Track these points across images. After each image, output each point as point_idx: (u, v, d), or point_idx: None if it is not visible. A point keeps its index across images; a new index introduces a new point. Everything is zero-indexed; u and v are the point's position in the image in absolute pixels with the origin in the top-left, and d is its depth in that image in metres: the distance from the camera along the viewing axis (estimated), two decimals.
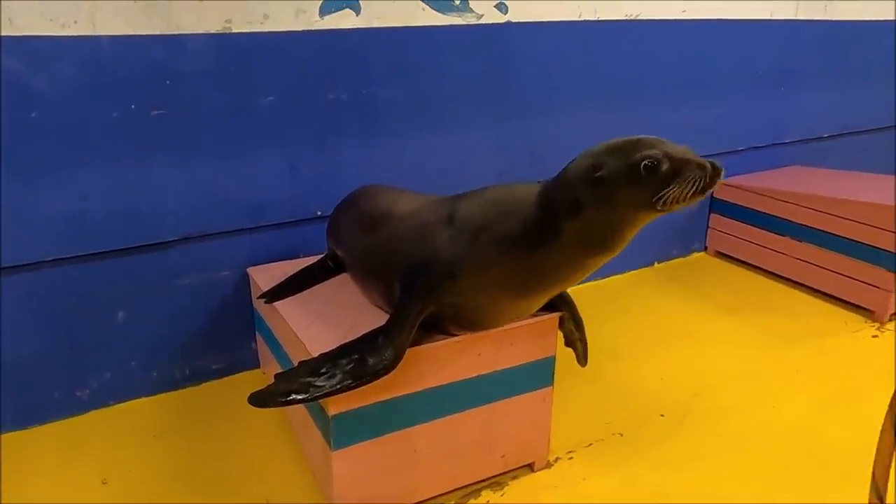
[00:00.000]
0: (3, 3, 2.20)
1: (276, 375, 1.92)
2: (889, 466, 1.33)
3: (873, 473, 1.35)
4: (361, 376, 1.86)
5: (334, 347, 1.96)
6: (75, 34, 2.33)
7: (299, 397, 1.84)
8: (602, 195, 1.73)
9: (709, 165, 1.61)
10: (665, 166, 1.63)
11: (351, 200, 2.58)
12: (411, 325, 1.94)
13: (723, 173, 1.62)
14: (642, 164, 1.64)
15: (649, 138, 1.71)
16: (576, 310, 2.32)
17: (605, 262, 1.88)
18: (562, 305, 2.27)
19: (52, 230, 2.49)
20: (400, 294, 2.01)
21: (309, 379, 1.87)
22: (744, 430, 2.58)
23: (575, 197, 1.77)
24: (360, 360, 1.89)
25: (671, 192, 1.62)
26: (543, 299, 2.07)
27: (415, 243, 2.04)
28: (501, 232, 1.88)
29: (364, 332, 1.99)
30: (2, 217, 2.39)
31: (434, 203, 2.16)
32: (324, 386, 1.85)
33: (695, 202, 1.66)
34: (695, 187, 1.60)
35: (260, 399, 1.86)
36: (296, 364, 1.97)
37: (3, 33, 2.23)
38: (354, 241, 2.42)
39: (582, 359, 2.42)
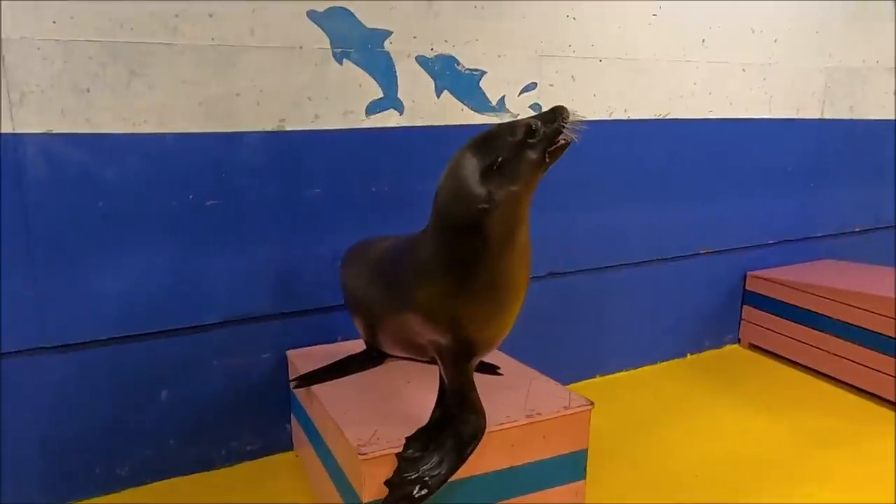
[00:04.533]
0: (83, 105, 2.44)
1: (387, 483, 1.95)
2: None
3: None
4: (465, 446, 1.97)
5: (414, 434, 2.03)
6: (144, 132, 2.55)
7: (423, 493, 1.91)
8: (505, 180, 1.86)
9: (556, 108, 1.88)
10: (541, 124, 1.86)
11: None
12: (467, 381, 2.05)
13: (566, 109, 1.88)
14: (525, 134, 1.85)
15: (501, 124, 1.94)
16: None
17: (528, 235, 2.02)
18: None
19: (105, 311, 2.63)
20: (441, 366, 2.10)
21: (420, 473, 1.93)
22: None
23: (484, 198, 1.86)
24: (453, 433, 1.99)
25: (559, 144, 1.86)
26: (523, 285, 2.07)
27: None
28: (435, 269, 1.98)
29: (432, 413, 2.09)
30: (59, 298, 2.54)
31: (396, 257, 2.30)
32: (439, 472, 1.93)
33: (567, 142, 1.88)
34: (559, 130, 1.85)
35: None
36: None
37: (81, 131, 2.46)
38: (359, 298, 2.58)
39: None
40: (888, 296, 3.52)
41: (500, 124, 1.94)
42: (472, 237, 1.90)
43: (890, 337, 3.48)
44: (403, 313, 2.15)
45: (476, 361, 2.10)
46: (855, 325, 3.68)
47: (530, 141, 1.85)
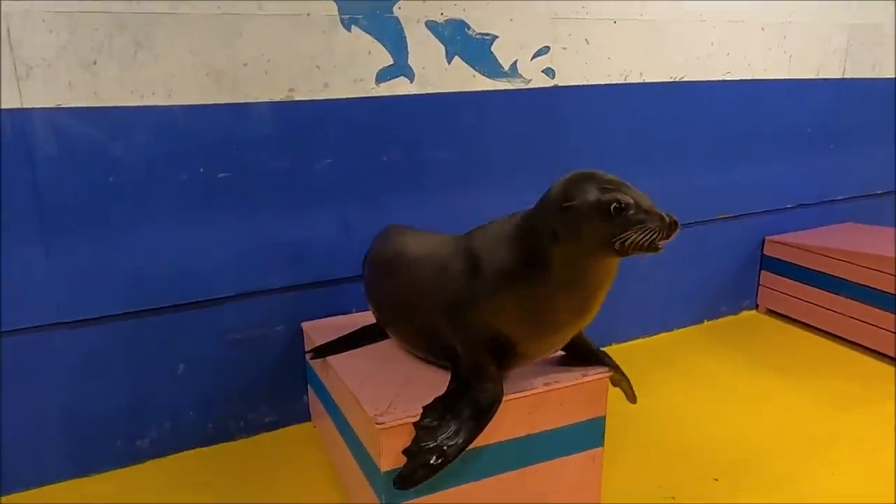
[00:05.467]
0: (89, 78, 2.41)
1: (405, 452, 1.94)
2: None
3: None
4: (483, 415, 1.97)
5: (431, 404, 2.01)
6: (152, 104, 2.52)
7: (441, 461, 1.90)
8: (571, 225, 1.81)
9: (668, 219, 1.73)
10: (631, 212, 1.74)
11: (368, 254, 2.68)
12: (483, 352, 2.03)
13: (678, 230, 1.73)
14: (612, 205, 1.75)
15: (619, 180, 1.83)
16: (607, 355, 2.34)
17: (602, 293, 1.95)
18: (591, 358, 2.30)
19: (118, 286, 2.63)
20: (455, 333, 2.10)
21: (439, 441, 1.92)
22: (801, 499, 2.50)
23: (552, 227, 1.85)
24: (471, 402, 1.98)
25: (629, 236, 1.72)
26: (569, 329, 2.06)
27: (438, 284, 2.15)
28: (501, 267, 1.97)
29: (449, 383, 2.09)
30: (72, 274, 2.54)
31: (449, 241, 2.27)
32: (457, 442, 1.92)
33: (650, 253, 1.76)
34: (651, 236, 1.72)
35: (406, 480, 1.90)
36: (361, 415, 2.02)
37: (88, 105, 2.43)
38: (380, 292, 2.52)
39: (631, 395, 2.43)
40: None
41: (618, 181, 1.84)
42: (539, 253, 1.89)
43: None
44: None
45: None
46: (874, 288, 3.62)
47: (611, 213, 1.76)
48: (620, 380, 2.38)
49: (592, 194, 1.79)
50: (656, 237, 1.72)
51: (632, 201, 1.76)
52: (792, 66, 3.97)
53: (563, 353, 2.32)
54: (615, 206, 1.75)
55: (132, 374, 2.76)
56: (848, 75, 4.19)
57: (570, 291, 1.91)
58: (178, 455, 2.88)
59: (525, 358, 2.12)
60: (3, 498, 2.61)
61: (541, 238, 1.89)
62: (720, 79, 3.75)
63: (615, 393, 2.39)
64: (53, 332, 2.58)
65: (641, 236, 1.72)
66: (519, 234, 1.97)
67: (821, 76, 4.09)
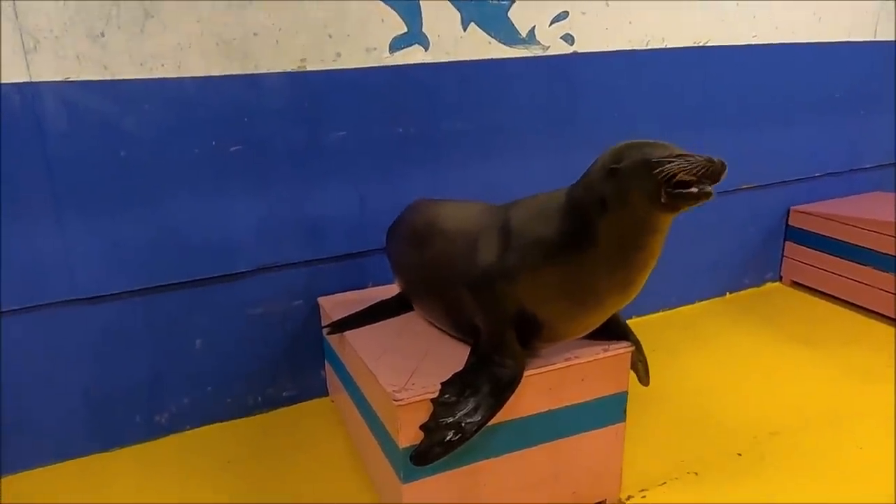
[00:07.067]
0: (98, 50, 2.36)
1: (422, 427, 1.91)
2: None
3: None
4: (503, 391, 1.93)
5: (450, 379, 1.98)
6: (162, 76, 2.47)
7: (458, 438, 1.87)
8: (619, 189, 1.77)
9: (716, 159, 1.67)
10: (676, 164, 1.69)
11: (398, 222, 2.64)
12: (507, 328, 1.99)
13: (726, 170, 1.67)
14: (658, 158, 1.72)
15: (668, 143, 1.80)
16: (631, 331, 2.29)
17: (648, 270, 1.89)
18: (617, 331, 2.24)
19: (133, 262, 2.61)
20: (480, 306, 2.05)
21: (457, 417, 1.89)
22: (827, 474, 2.45)
23: (600, 195, 1.81)
24: (490, 378, 1.95)
25: (672, 169, 1.65)
26: (608, 308, 2.01)
27: (470, 255, 2.09)
28: (543, 239, 1.92)
29: (468, 358, 2.05)
30: (86, 249, 2.53)
31: (484, 212, 2.22)
32: (475, 419, 1.89)
33: (701, 200, 1.68)
34: (699, 170, 1.65)
35: (423, 457, 1.88)
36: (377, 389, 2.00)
37: (97, 78, 2.38)
38: (408, 262, 2.47)
39: (644, 378, 2.38)
40: None
41: (663, 143, 1.81)
42: (585, 227, 1.84)
43: None
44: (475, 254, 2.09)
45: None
46: None
47: (655, 171, 1.70)
48: (637, 361, 2.33)
49: (639, 154, 1.77)
50: (703, 171, 1.66)
51: (677, 153, 1.74)
52: (821, 28, 3.82)
53: None
54: (660, 159, 1.72)
55: (150, 349, 2.75)
56: (880, 38, 4.03)
57: (615, 268, 1.86)
58: (196, 430, 2.89)
59: (556, 338, 2.06)
60: (24, 472, 2.63)
61: (588, 210, 1.84)
62: (745, 43, 3.62)
63: None
64: (71, 308, 2.57)
65: (687, 165, 1.66)
66: (564, 209, 1.92)
67: (851, 38, 3.94)
